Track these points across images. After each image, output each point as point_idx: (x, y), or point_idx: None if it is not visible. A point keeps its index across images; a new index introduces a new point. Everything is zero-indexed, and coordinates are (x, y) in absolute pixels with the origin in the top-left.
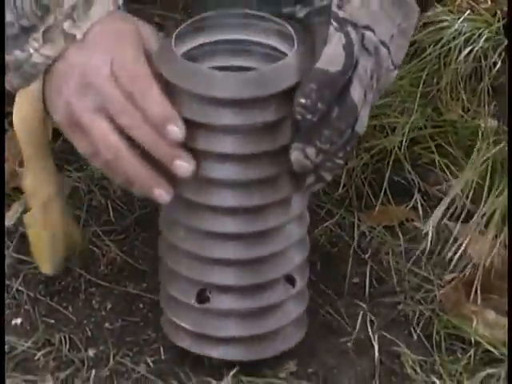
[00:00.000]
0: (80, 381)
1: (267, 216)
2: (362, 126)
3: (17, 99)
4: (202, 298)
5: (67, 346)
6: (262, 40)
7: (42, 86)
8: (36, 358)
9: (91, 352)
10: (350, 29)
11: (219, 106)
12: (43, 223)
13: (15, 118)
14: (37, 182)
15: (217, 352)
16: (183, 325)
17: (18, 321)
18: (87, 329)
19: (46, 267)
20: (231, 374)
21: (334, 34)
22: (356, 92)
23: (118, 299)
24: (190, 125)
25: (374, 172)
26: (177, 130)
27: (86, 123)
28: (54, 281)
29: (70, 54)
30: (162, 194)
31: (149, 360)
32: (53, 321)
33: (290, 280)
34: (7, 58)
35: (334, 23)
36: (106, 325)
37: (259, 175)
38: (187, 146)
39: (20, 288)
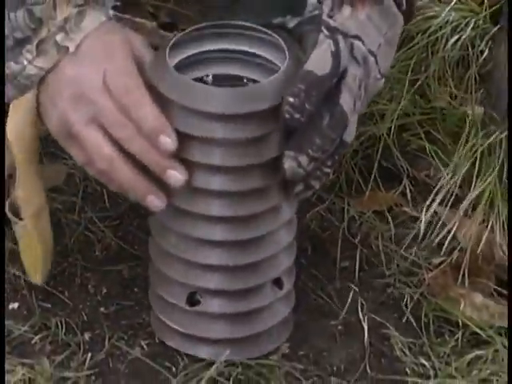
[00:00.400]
0: (76, 364)
1: (257, 224)
2: (350, 134)
3: (10, 110)
4: (192, 300)
5: (63, 330)
6: (254, 50)
7: (35, 96)
8: (33, 341)
9: (87, 335)
10: (339, 37)
11: (211, 120)
12: (36, 233)
13: (8, 128)
14: (29, 191)
15: (206, 352)
16: (173, 326)
17: (15, 305)
18: (83, 313)
19: (38, 278)
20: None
21: (324, 40)
22: (346, 101)
23: (113, 284)
24: (182, 136)
25: (364, 158)
26: (169, 141)
27: (80, 134)
28: (51, 266)
29: (63, 65)
30: (155, 201)
31: (143, 343)
32: (49, 305)
33: (277, 283)
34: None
35: (325, 31)
36: (102, 309)
37: (248, 186)
38: (179, 157)
39: (17, 273)
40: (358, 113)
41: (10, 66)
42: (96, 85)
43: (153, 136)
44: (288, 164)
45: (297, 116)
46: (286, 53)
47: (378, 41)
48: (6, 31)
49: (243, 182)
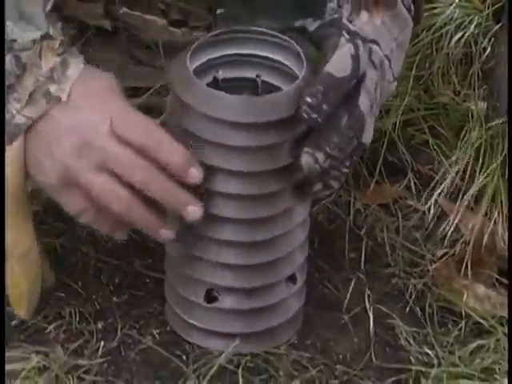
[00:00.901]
0: (89, 352)
1: (272, 226)
2: (368, 137)
3: None
4: (209, 297)
5: (77, 319)
6: (270, 55)
7: (23, 145)
8: (47, 330)
9: (100, 324)
10: (359, 42)
11: (229, 127)
12: (22, 274)
13: None
14: (16, 236)
15: (221, 346)
16: (191, 321)
17: None
18: (96, 302)
19: (23, 313)
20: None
21: (345, 43)
22: (364, 103)
23: (125, 274)
24: (200, 141)
25: (370, 152)
26: (198, 173)
27: (87, 181)
28: (64, 256)
29: (55, 114)
30: (167, 233)
31: (154, 332)
32: (63, 295)
33: (291, 279)
34: None
35: (346, 34)
36: (114, 299)
37: (263, 190)
38: (196, 160)
39: None
40: (375, 115)
41: None
42: (102, 131)
43: (182, 171)
44: (305, 159)
45: (314, 116)
46: (304, 60)
47: (390, 45)
48: None
49: (258, 186)
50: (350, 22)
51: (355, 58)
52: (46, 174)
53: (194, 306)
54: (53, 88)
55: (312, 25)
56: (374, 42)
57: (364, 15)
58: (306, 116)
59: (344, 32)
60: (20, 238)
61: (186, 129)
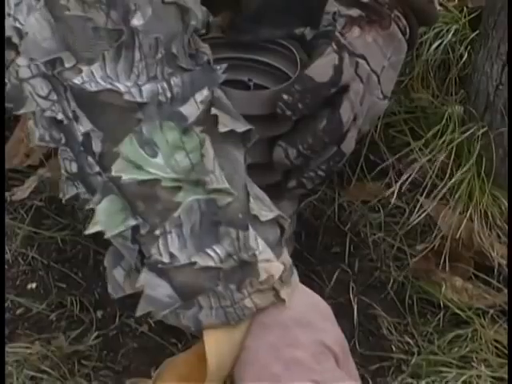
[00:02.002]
0: (89, 339)
1: None
2: (348, 146)
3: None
4: None
5: (78, 308)
6: (268, 61)
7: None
8: (49, 318)
9: (99, 313)
10: (345, 54)
11: None
12: None
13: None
14: None
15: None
16: None
17: (34, 285)
18: (95, 292)
19: None
20: None
21: (331, 53)
22: (345, 112)
23: None
24: None
25: (353, 153)
26: None
27: None
28: (66, 249)
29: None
30: None
31: (151, 321)
32: (65, 285)
33: None
34: None
35: (334, 45)
36: None
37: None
38: None
39: (35, 256)
40: (362, 130)
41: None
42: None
43: None
44: (276, 152)
45: (288, 113)
46: (299, 63)
47: (382, 63)
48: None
49: (255, 178)
50: (342, 35)
51: (338, 68)
52: None
53: None
54: (278, 284)
55: (310, 34)
56: (361, 56)
57: (356, 31)
58: (280, 112)
59: (333, 43)
60: None
61: None
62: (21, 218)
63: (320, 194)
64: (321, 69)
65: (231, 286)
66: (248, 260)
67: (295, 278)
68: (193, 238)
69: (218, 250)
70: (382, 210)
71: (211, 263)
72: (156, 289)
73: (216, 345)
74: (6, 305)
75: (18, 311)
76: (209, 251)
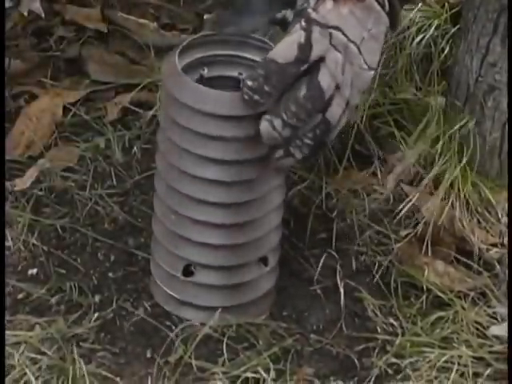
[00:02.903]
0: (87, 322)
1: (249, 209)
2: (333, 115)
3: None
4: (187, 271)
5: (76, 293)
6: (249, 55)
7: None
8: (49, 302)
9: (97, 298)
10: (315, 28)
11: (211, 119)
12: None
13: None
14: None
15: (197, 317)
16: (170, 292)
17: (34, 271)
18: (93, 278)
19: None
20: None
21: (297, 31)
22: (324, 79)
23: (120, 252)
24: (189, 132)
25: (340, 142)
26: None
27: None
28: (65, 236)
29: None
30: None
31: (146, 304)
32: (64, 271)
33: (263, 260)
34: None
35: (303, 22)
36: (110, 274)
37: (242, 177)
38: (185, 151)
39: (35, 242)
40: (351, 103)
41: None
42: None
43: None
44: (263, 125)
45: (256, 97)
46: None
47: (361, 34)
48: None
49: (239, 172)
50: (314, 10)
51: (304, 45)
52: None
53: (173, 278)
54: None
55: (291, 15)
56: (335, 27)
57: (329, 4)
58: (247, 98)
59: (302, 20)
60: None
61: (174, 120)
62: (22, 206)
63: (308, 183)
64: (284, 50)
65: None
66: None
67: None
68: None
69: None
70: (366, 198)
71: None
72: None
73: None
74: (7, 290)
75: (19, 296)
76: None
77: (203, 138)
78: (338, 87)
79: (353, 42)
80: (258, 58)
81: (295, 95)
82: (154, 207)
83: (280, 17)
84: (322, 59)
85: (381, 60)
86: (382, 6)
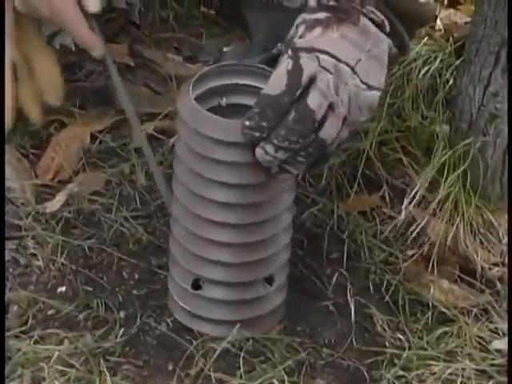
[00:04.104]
0: (113, 337)
1: (258, 230)
2: (328, 133)
3: None
4: (196, 285)
5: (103, 309)
6: (259, 85)
7: None
8: (77, 318)
9: (122, 314)
10: (302, 54)
11: (221, 146)
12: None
13: None
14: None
15: (206, 328)
16: (181, 303)
17: (63, 289)
18: (119, 295)
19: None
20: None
21: (284, 61)
22: (314, 100)
23: (144, 271)
24: (200, 158)
25: (350, 168)
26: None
27: None
28: (92, 256)
29: None
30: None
31: (168, 320)
32: (91, 288)
33: (268, 280)
34: None
35: (289, 51)
36: (134, 292)
37: (251, 199)
38: (198, 175)
39: (64, 262)
40: (355, 120)
41: None
42: None
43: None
44: (257, 152)
45: (257, 134)
46: None
47: (356, 55)
48: None
49: (248, 195)
50: (301, 37)
51: (293, 71)
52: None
53: (184, 291)
54: None
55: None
56: (322, 51)
57: (316, 31)
58: (248, 136)
59: (289, 49)
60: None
61: (187, 146)
62: (52, 228)
63: (321, 206)
64: (274, 81)
65: None
66: None
67: None
68: None
69: None
70: (376, 219)
71: None
72: None
73: None
74: (38, 306)
75: (49, 312)
76: None
77: (213, 162)
78: (332, 107)
79: (344, 62)
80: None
81: (285, 120)
82: (171, 227)
83: (276, 52)
84: (312, 81)
85: (389, 91)
86: (381, 27)
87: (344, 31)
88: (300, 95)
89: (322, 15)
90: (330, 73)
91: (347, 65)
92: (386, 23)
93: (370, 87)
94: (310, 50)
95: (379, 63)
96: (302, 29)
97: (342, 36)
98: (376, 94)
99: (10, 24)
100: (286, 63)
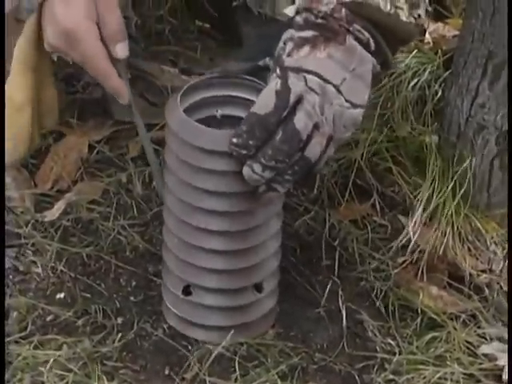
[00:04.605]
0: (111, 342)
1: (248, 237)
2: (312, 152)
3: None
4: (187, 291)
5: (100, 315)
6: (245, 96)
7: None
8: (76, 324)
9: (119, 320)
10: (290, 74)
11: (210, 155)
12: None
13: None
14: (15, 88)
15: (196, 334)
16: (172, 309)
17: (62, 295)
18: (116, 301)
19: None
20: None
21: (273, 79)
22: (300, 121)
23: (140, 278)
24: (188, 167)
25: (342, 177)
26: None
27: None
28: (90, 263)
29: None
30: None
31: (165, 326)
32: (89, 295)
33: (257, 287)
34: None
35: (278, 70)
36: (131, 298)
37: (240, 207)
38: (188, 184)
39: (63, 269)
40: (338, 137)
41: None
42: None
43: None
44: (245, 170)
45: (244, 152)
46: None
47: (341, 75)
48: None
49: (237, 203)
50: (289, 56)
51: (281, 91)
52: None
53: (174, 297)
54: None
55: (271, 62)
56: (310, 72)
57: (304, 50)
58: (235, 154)
59: (277, 68)
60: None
61: (176, 155)
62: (51, 236)
63: (313, 214)
64: (263, 100)
65: None
66: None
67: None
68: None
69: None
70: (367, 228)
71: None
72: None
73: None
74: (37, 313)
75: (48, 318)
76: None
77: (202, 172)
78: (317, 126)
79: (330, 82)
80: (252, 98)
81: (272, 140)
82: (164, 236)
83: (263, 65)
84: (299, 101)
85: (380, 102)
86: (366, 46)
87: (331, 51)
88: (287, 115)
89: (309, 33)
90: (317, 93)
91: (333, 85)
92: (372, 42)
93: (354, 105)
94: (298, 70)
95: (363, 82)
96: (289, 46)
97: (329, 56)
98: (360, 111)
99: (30, 49)
100: (274, 82)
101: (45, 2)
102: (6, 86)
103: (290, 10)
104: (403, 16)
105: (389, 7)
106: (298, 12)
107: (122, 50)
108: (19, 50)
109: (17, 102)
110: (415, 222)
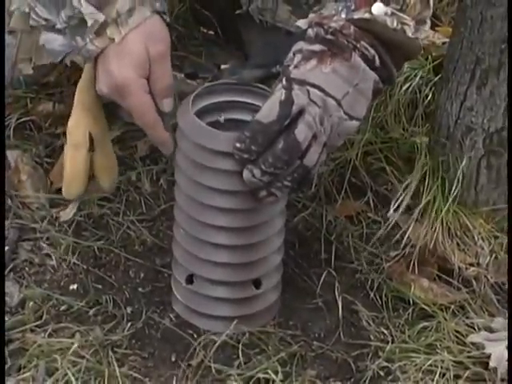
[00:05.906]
0: (121, 331)
1: (253, 233)
2: (310, 161)
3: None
4: (190, 280)
5: (111, 305)
6: (253, 101)
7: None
8: (88, 314)
9: (129, 309)
10: (295, 86)
11: (218, 156)
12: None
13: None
14: (75, 125)
15: (199, 322)
16: (177, 296)
17: (75, 286)
18: (126, 292)
19: (67, 193)
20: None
21: (278, 90)
22: (301, 133)
23: (149, 270)
24: (199, 166)
25: (338, 176)
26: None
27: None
28: (101, 256)
29: (110, 51)
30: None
31: (172, 315)
32: (100, 286)
33: (256, 282)
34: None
35: (284, 81)
36: (140, 289)
37: (246, 205)
38: (197, 183)
39: (76, 262)
40: (333, 144)
41: (77, 40)
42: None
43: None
44: (245, 173)
45: (246, 156)
46: None
47: (344, 89)
48: (69, 13)
49: (243, 201)
50: (296, 67)
51: (285, 102)
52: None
53: (179, 285)
54: (110, 30)
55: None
56: (313, 85)
57: (312, 63)
58: (237, 157)
59: (283, 78)
60: (77, 127)
61: (186, 155)
62: (64, 230)
63: (311, 210)
64: (268, 110)
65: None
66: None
67: (138, 19)
68: None
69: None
70: (362, 223)
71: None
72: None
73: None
74: (52, 303)
75: (62, 308)
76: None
77: (210, 171)
78: (315, 136)
79: (332, 96)
80: (260, 103)
81: (274, 149)
82: (174, 230)
83: (275, 71)
84: (301, 112)
85: (373, 105)
86: (371, 63)
87: (336, 66)
88: (288, 124)
89: (317, 47)
90: (318, 106)
91: (334, 99)
92: (377, 58)
93: (351, 117)
94: (302, 83)
95: (364, 97)
96: (298, 58)
97: (334, 70)
98: (356, 123)
99: (88, 92)
100: (279, 93)
101: (100, 54)
102: (68, 123)
103: (302, 23)
104: (409, 32)
105: (395, 24)
106: (310, 26)
107: (168, 105)
108: (78, 92)
109: (74, 138)
110: (401, 210)
